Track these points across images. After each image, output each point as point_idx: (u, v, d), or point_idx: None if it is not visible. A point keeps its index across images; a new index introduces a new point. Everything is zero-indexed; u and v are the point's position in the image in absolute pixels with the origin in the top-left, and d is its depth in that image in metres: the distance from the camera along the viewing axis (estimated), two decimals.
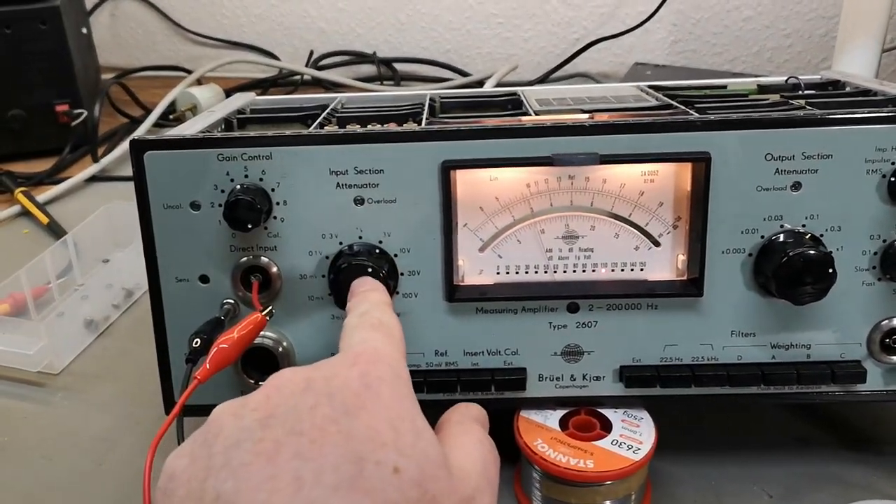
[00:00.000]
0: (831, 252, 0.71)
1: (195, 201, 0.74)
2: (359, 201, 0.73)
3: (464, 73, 2.10)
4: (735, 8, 1.94)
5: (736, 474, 0.81)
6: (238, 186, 0.72)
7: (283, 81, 2.16)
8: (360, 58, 2.23)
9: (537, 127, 0.72)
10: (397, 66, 2.19)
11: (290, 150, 0.72)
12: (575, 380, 0.78)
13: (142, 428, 0.90)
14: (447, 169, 0.72)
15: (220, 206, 0.73)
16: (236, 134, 0.77)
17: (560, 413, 0.78)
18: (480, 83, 1.98)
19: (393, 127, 0.81)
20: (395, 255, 0.75)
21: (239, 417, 0.53)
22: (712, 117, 0.73)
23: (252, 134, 0.75)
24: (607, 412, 0.78)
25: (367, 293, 0.68)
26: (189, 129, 0.81)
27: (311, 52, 2.23)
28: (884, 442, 0.84)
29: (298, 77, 2.15)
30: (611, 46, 2.02)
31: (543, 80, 2.01)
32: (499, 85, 1.89)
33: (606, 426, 0.77)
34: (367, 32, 2.24)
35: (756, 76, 1.18)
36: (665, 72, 1.82)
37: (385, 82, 2.13)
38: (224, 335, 0.68)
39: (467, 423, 0.64)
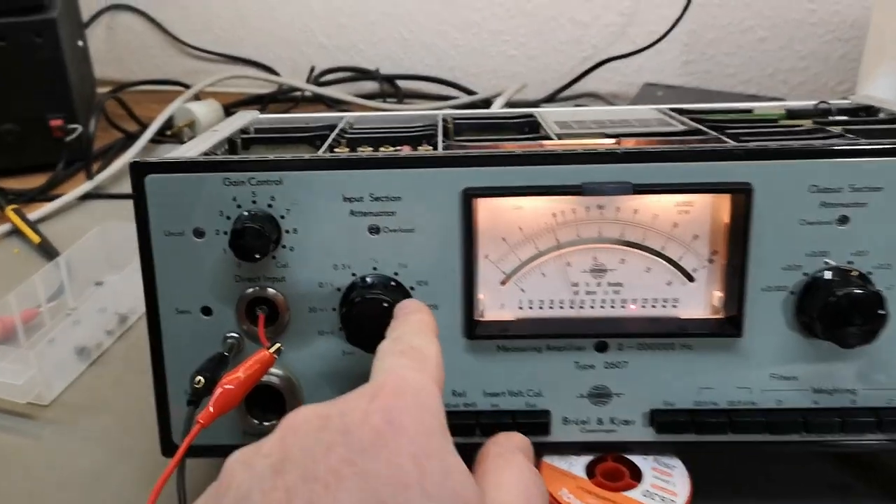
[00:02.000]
0: (881, 291, 0.67)
1: (199, 228, 0.70)
2: (374, 230, 0.69)
3: (468, 91, 2.07)
4: (749, 28, 1.90)
5: None
6: (245, 213, 0.69)
7: (283, 97, 2.13)
8: (362, 74, 2.20)
9: (566, 153, 0.68)
10: (400, 83, 2.16)
11: (301, 174, 0.69)
12: (602, 424, 0.74)
13: (135, 463, 0.85)
14: (469, 197, 0.68)
15: (225, 233, 0.69)
16: (244, 157, 0.72)
17: (586, 459, 0.74)
18: (487, 102, 1.95)
19: (407, 150, 0.78)
20: (412, 288, 0.71)
21: (250, 466, 0.48)
22: (753, 145, 0.68)
23: (260, 157, 0.70)
24: (637, 459, 0.74)
25: (406, 316, 0.63)
26: (191, 149, 0.77)
27: (313, 68, 2.20)
28: None
29: (299, 93, 2.12)
30: (620, 66, 1.98)
31: (551, 99, 1.98)
32: (508, 104, 1.85)
33: (636, 475, 0.73)
34: (369, 48, 2.21)
35: (772, 98, 1.14)
36: (677, 93, 1.78)
37: (388, 100, 2.10)
38: (229, 375, 0.64)
39: (508, 454, 0.59)
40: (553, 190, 0.68)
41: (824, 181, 0.67)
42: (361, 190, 0.69)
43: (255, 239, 0.66)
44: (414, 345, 0.58)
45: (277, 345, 0.68)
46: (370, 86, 2.18)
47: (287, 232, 0.69)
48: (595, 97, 1.99)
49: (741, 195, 0.67)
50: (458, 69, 2.14)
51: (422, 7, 2.12)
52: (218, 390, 0.63)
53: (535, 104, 1.92)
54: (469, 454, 0.72)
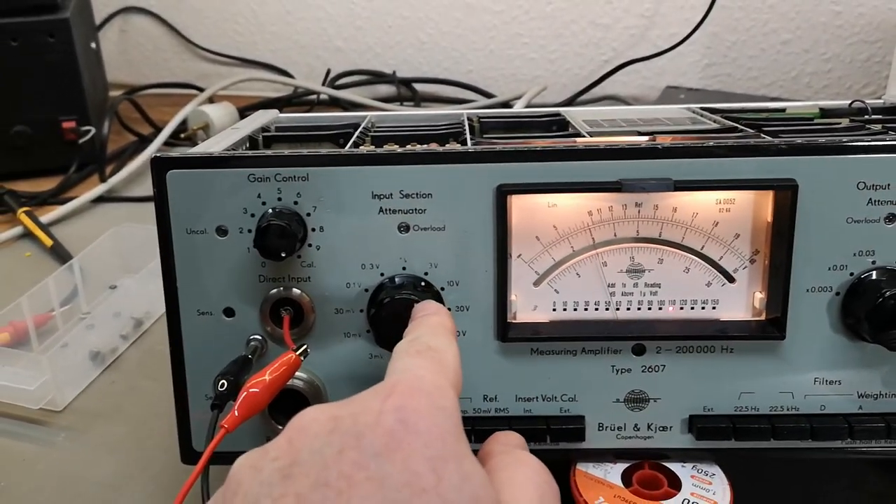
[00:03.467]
0: None
1: (222, 226, 0.68)
2: (403, 228, 0.68)
3: (487, 94, 2.05)
4: (773, 31, 1.88)
5: None
6: (270, 210, 0.67)
7: (299, 101, 2.12)
8: (378, 77, 2.18)
9: (604, 149, 0.67)
10: (417, 86, 2.14)
11: (328, 170, 0.67)
12: (639, 430, 0.72)
13: (151, 473, 0.84)
14: (503, 193, 0.66)
15: (249, 231, 0.67)
16: (269, 152, 0.70)
17: (622, 467, 0.72)
18: (506, 105, 1.94)
19: (436, 147, 0.75)
20: (442, 289, 0.69)
21: (258, 470, 0.47)
22: (798, 141, 0.66)
23: (286, 152, 0.68)
24: (674, 466, 0.72)
25: (425, 318, 0.62)
26: (213, 146, 0.74)
27: (328, 71, 2.18)
28: None
29: (314, 96, 2.10)
30: (641, 69, 1.97)
31: (571, 102, 1.96)
32: (529, 106, 1.84)
33: (675, 483, 0.71)
34: (385, 51, 2.19)
35: (796, 101, 1.13)
36: (699, 95, 1.77)
37: (405, 103, 2.08)
38: (254, 378, 0.62)
39: (514, 452, 0.58)
40: (591, 186, 0.66)
41: (871, 177, 0.65)
42: (391, 186, 0.67)
43: (281, 237, 0.65)
44: (431, 345, 0.57)
45: (304, 346, 0.66)
46: (387, 89, 2.16)
47: (313, 230, 0.68)
48: (616, 100, 1.97)
49: (786, 192, 0.65)
50: (476, 72, 2.12)
51: (439, 10, 2.10)
52: (242, 394, 0.62)
53: (556, 107, 1.90)
54: None
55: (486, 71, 2.12)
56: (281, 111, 1.86)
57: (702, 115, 0.90)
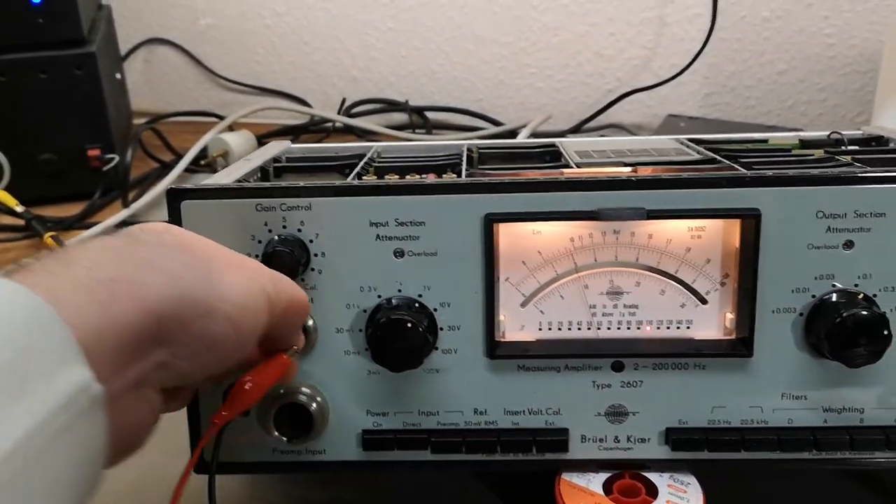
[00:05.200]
0: (885, 313, 0.69)
1: None
2: (399, 254, 0.72)
3: (496, 123, 2.09)
4: (769, 62, 1.92)
5: None
6: (276, 237, 0.71)
7: (315, 128, 2.15)
8: (391, 106, 2.22)
9: (583, 181, 0.71)
10: (429, 114, 2.18)
11: (329, 200, 0.71)
12: (619, 442, 0.76)
13: (168, 483, 0.84)
14: (490, 222, 0.71)
15: (257, 256, 0.71)
16: (275, 184, 0.75)
17: (603, 476, 0.76)
18: (513, 133, 1.96)
19: (432, 177, 0.80)
20: (435, 310, 0.73)
21: None
22: (762, 173, 0.71)
23: (290, 184, 0.73)
24: (652, 476, 0.76)
25: None
26: (225, 177, 0.79)
27: (344, 100, 2.22)
28: None
29: (330, 124, 2.14)
30: (644, 98, 2.01)
31: (576, 130, 2.00)
32: (533, 135, 1.88)
33: (652, 491, 0.75)
34: (399, 81, 2.23)
35: (792, 129, 1.17)
36: (698, 124, 1.80)
37: (417, 130, 2.11)
38: (245, 376, 0.66)
39: None
40: (571, 215, 0.71)
41: (829, 207, 0.69)
42: (387, 215, 0.71)
43: (285, 262, 0.69)
44: None
45: (294, 347, 0.70)
46: (400, 117, 2.20)
47: (316, 255, 0.72)
48: (619, 128, 2.01)
49: (750, 220, 0.70)
50: (486, 101, 2.16)
51: (450, 42, 2.15)
52: (235, 390, 0.65)
53: (561, 135, 1.93)
54: (491, 471, 0.75)
55: (496, 100, 2.16)
56: (297, 138, 1.92)
57: (687, 146, 0.94)
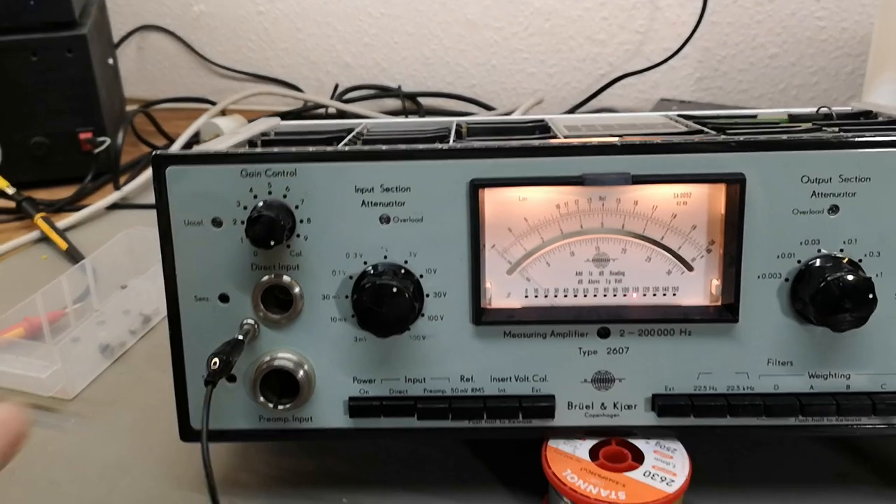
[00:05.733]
0: (871, 277, 0.69)
1: (217, 218, 0.72)
2: (384, 220, 0.72)
3: (488, 108, 2.10)
4: (760, 45, 1.92)
5: None
6: (261, 203, 0.71)
7: (308, 114, 2.15)
8: (384, 91, 2.22)
9: (568, 146, 0.71)
10: (422, 100, 2.18)
11: (315, 165, 0.71)
12: (605, 408, 0.76)
13: (155, 455, 0.88)
14: (476, 187, 0.71)
15: (242, 223, 0.72)
16: (259, 150, 0.75)
17: (590, 443, 0.76)
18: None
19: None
20: (421, 276, 0.73)
21: None
22: (747, 139, 0.71)
23: (276, 150, 0.73)
24: (639, 443, 0.76)
25: None
26: (212, 147, 0.79)
27: (336, 86, 2.22)
28: None
29: (323, 110, 2.14)
30: (636, 82, 2.01)
31: (570, 114, 1.98)
32: None
33: (638, 457, 0.75)
34: (392, 67, 2.24)
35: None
36: (691, 107, 1.80)
37: (410, 116, 2.11)
38: None
39: None
40: (556, 180, 0.71)
41: (814, 172, 0.69)
42: (372, 181, 0.71)
43: (270, 227, 0.69)
44: None
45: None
46: (393, 103, 2.20)
47: (301, 221, 0.72)
48: (613, 112, 2.00)
49: (735, 185, 0.70)
50: (479, 86, 2.16)
51: (443, 27, 2.15)
52: None
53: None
54: (474, 438, 0.75)
55: (489, 85, 2.16)
56: None
57: (676, 121, 0.94)
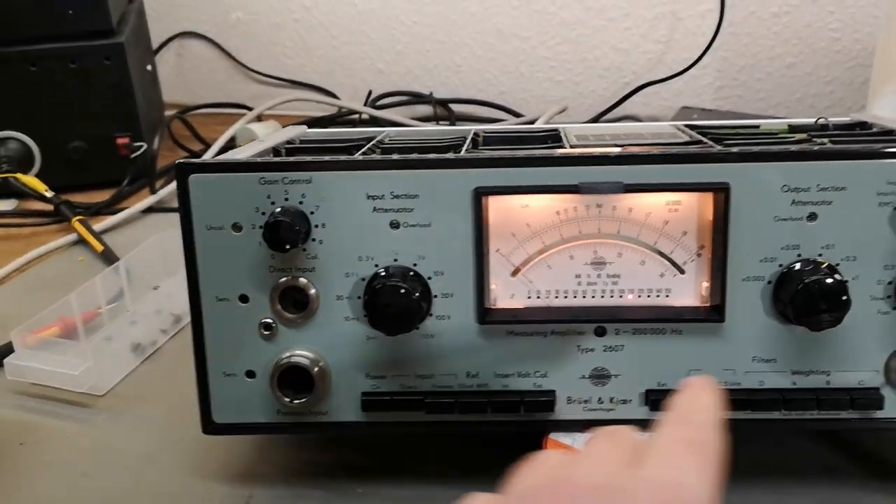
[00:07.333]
0: (846, 281, 0.73)
1: (237, 223, 0.77)
2: (394, 225, 0.76)
3: (516, 114, 2.13)
4: (777, 56, 1.96)
5: (766, 502, 0.81)
6: (278, 209, 0.75)
7: (342, 120, 2.19)
8: (416, 98, 2.26)
9: (566, 157, 0.76)
10: (453, 106, 2.22)
11: (328, 174, 0.76)
12: (602, 403, 0.80)
13: (182, 447, 0.91)
14: (479, 195, 0.75)
15: (261, 227, 0.75)
16: (277, 159, 0.80)
17: (588, 435, 0.79)
18: (531, 124, 1.98)
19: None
20: (429, 278, 0.77)
21: None
22: (732, 150, 0.75)
23: (292, 159, 0.78)
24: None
25: (694, 395, 0.59)
26: (237, 155, 0.84)
27: (370, 92, 2.26)
28: None
29: (357, 116, 2.17)
30: (659, 90, 2.04)
31: (595, 121, 2.01)
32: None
33: None
34: (424, 74, 2.27)
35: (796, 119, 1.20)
36: (711, 115, 1.82)
37: (441, 122, 2.15)
38: None
39: None
40: (554, 189, 0.75)
41: (794, 181, 0.73)
42: (383, 189, 0.76)
43: (287, 231, 0.73)
44: (700, 440, 0.54)
45: None
46: (424, 109, 2.23)
47: (316, 226, 0.76)
48: (634, 119, 2.03)
49: (721, 194, 0.74)
50: (508, 93, 2.20)
51: (473, 36, 2.19)
52: None
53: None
54: (479, 431, 0.78)
55: (517, 92, 2.20)
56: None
57: (682, 130, 0.98)
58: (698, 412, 0.57)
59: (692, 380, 0.61)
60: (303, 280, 0.78)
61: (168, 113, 2.12)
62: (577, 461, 0.53)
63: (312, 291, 0.78)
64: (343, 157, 0.79)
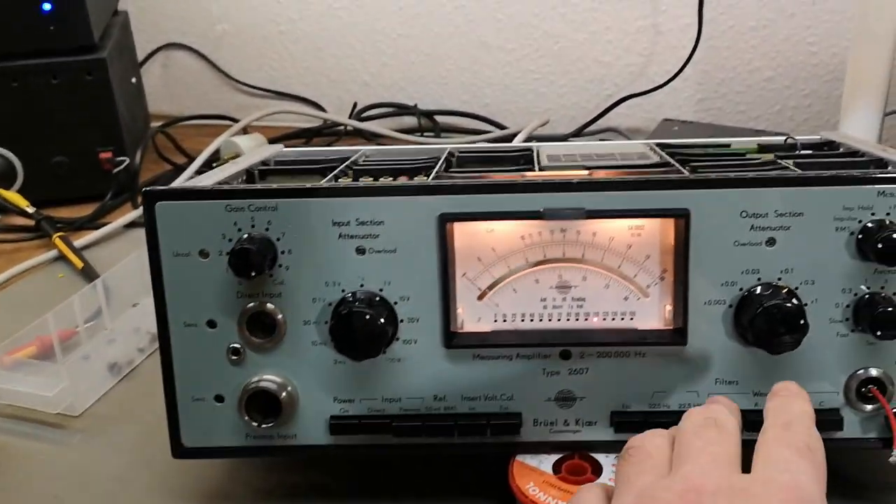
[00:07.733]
0: (804, 305, 0.74)
1: (203, 249, 0.77)
2: (360, 251, 0.77)
3: (500, 126, 2.13)
4: (756, 69, 1.98)
5: None
6: (244, 235, 0.76)
7: (328, 132, 2.20)
8: (402, 110, 2.27)
9: (529, 183, 0.77)
10: (438, 118, 2.22)
11: (294, 201, 0.76)
12: (568, 425, 0.81)
13: (154, 470, 0.91)
14: (444, 221, 0.76)
15: (227, 254, 0.76)
16: (242, 186, 0.81)
17: (554, 457, 0.81)
18: (514, 136, 2.00)
19: (404, 180, 0.87)
20: (395, 303, 0.78)
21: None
22: (692, 176, 0.77)
23: (258, 187, 0.79)
24: (600, 457, 0.81)
25: (790, 399, 0.66)
26: (209, 179, 0.85)
27: (355, 104, 2.27)
28: (876, 489, 0.85)
29: (342, 127, 2.18)
30: (641, 102, 2.05)
31: (578, 133, 2.03)
32: (529, 138, 1.92)
33: (597, 470, 0.80)
34: (409, 85, 2.28)
35: (776, 134, 1.21)
36: (691, 128, 1.83)
37: (426, 134, 2.16)
38: None
39: None
40: (518, 215, 0.76)
41: (752, 207, 0.74)
42: (348, 215, 0.76)
43: (253, 258, 0.74)
44: (810, 445, 0.58)
45: None
46: (410, 121, 2.24)
47: (283, 252, 0.77)
48: (616, 132, 2.05)
49: (681, 219, 0.75)
50: (493, 105, 2.21)
51: (458, 49, 2.20)
52: None
53: (564, 138, 1.97)
54: (447, 453, 0.79)
55: (502, 104, 2.20)
56: (310, 142, 1.97)
57: (652, 151, 0.99)
58: (798, 417, 0.61)
59: (782, 385, 0.68)
60: (270, 305, 0.79)
61: (154, 124, 2.12)
62: (682, 457, 0.57)
63: (280, 317, 0.79)
64: (308, 185, 0.80)
